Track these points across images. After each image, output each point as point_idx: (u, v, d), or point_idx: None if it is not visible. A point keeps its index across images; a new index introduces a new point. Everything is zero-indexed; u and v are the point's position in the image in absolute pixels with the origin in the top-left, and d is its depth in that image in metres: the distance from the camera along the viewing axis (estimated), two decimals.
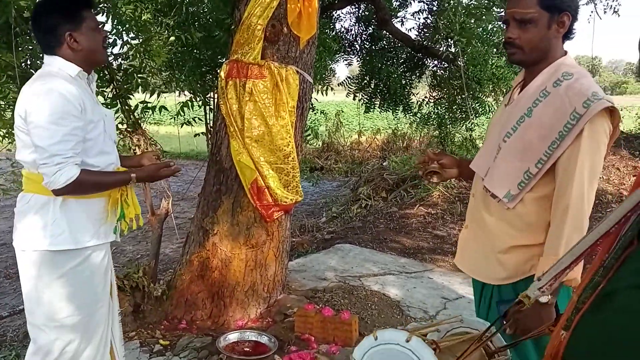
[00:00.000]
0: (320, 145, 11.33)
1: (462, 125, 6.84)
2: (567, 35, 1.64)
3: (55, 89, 1.72)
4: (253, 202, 3.08)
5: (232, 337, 2.87)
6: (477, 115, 6.45)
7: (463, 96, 6.23)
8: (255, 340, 2.87)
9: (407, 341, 1.12)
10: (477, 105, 6.28)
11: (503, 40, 1.67)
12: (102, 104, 3.38)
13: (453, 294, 3.66)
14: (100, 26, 1.93)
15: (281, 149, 3.04)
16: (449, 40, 5.17)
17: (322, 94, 4.83)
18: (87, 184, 1.78)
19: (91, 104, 1.85)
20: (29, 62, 2.80)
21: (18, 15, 2.44)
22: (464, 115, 6.48)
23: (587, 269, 1.09)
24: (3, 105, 2.68)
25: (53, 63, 1.83)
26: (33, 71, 2.83)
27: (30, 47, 2.73)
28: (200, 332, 3.09)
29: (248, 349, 2.82)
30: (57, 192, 1.75)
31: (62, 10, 1.80)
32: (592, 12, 5.88)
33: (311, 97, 3.58)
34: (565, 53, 1.66)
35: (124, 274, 3.12)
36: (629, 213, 1.02)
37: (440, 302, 3.51)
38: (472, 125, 6.79)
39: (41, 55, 3.02)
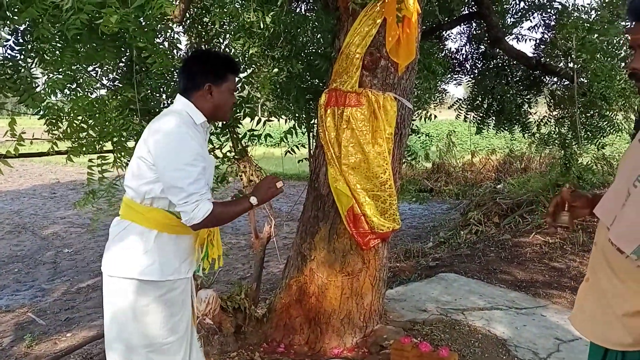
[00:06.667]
0: (431, 166, 11.06)
1: (590, 145, 6.28)
2: None
3: (185, 133, 1.85)
4: (349, 229, 3.06)
5: None
6: (604, 135, 5.88)
7: (588, 114, 5.73)
8: None
9: None
10: (604, 123, 5.74)
11: (628, 71, 1.42)
12: (212, 133, 3.62)
13: (568, 334, 3.30)
14: (235, 93, 2.11)
15: (378, 176, 3.00)
16: (569, 56, 4.79)
17: (424, 119, 4.68)
18: (220, 215, 1.88)
19: (205, 150, 1.98)
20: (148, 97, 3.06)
21: (137, 55, 2.70)
22: (589, 135, 5.95)
23: None
24: (125, 136, 2.96)
25: (182, 104, 1.97)
26: (153, 104, 3.11)
27: (150, 83, 3.00)
28: (298, 357, 3.12)
29: None
30: (195, 227, 1.86)
31: (213, 65, 1.99)
32: None
33: (411, 123, 3.50)
34: None
35: (227, 295, 3.26)
36: None
37: (553, 343, 3.19)
38: (601, 145, 6.19)
39: (162, 89, 3.35)
